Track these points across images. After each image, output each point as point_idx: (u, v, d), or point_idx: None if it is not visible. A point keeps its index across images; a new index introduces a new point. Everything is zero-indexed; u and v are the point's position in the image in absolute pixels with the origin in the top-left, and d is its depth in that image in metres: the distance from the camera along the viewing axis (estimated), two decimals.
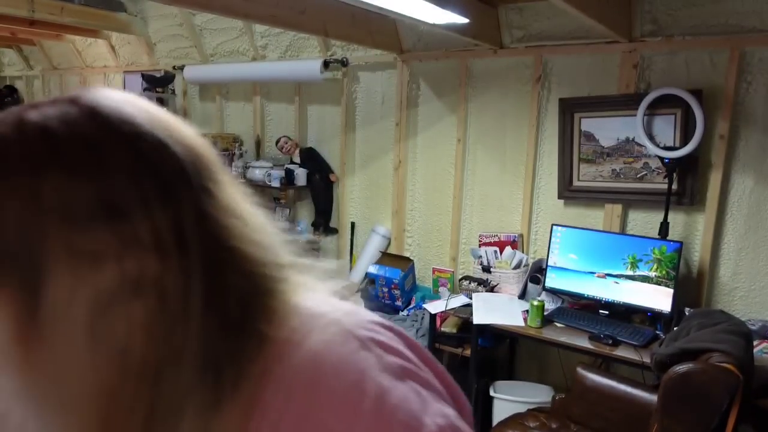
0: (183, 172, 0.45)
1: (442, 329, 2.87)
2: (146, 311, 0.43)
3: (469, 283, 2.94)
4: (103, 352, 0.42)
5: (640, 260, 2.51)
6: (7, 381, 0.43)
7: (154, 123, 0.46)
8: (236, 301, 0.46)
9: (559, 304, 2.75)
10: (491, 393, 2.70)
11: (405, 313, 3.21)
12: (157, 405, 0.43)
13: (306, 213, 3.95)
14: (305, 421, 0.45)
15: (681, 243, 2.45)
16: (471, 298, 2.81)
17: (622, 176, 2.72)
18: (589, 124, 2.77)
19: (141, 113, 0.46)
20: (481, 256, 3.02)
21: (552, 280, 2.75)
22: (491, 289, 2.91)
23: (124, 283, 0.42)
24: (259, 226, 0.50)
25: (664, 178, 2.52)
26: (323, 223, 3.77)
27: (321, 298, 0.53)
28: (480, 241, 3.12)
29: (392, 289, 3.25)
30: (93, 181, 0.42)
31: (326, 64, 3.49)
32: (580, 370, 2.30)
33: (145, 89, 4.38)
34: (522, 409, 2.37)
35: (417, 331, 2.99)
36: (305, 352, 0.47)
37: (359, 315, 0.51)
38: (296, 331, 0.48)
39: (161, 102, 4.38)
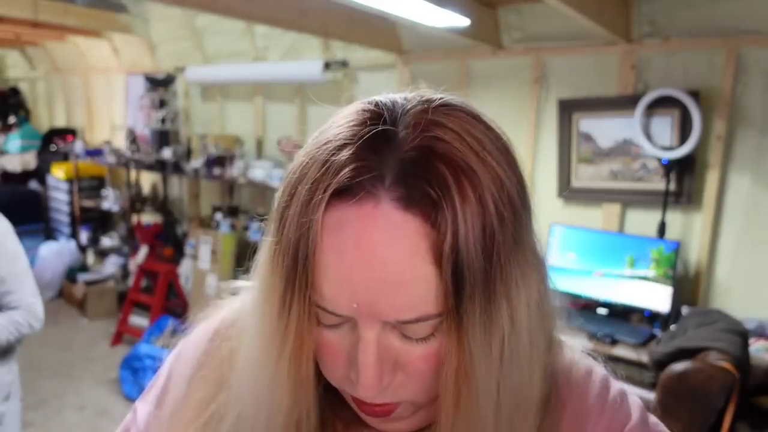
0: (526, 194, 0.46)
1: None
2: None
3: None
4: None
5: (638, 260, 2.52)
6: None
7: None
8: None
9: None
10: None
11: None
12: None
13: None
14: None
15: (678, 243, 2.46)
16: None
17: (620, 176, 2.74)
18: (587, 124, 2.79)
19: None
20: None
21: None
22: None
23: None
24: None
25: (662, 178, 2.54)
26: None
27: None
28: None
29: None
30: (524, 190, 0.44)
31: (327, 65, 3.51)
32: None
33: (147, 90, 4.41)
34: None
35: None
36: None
37: None
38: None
39: (163, 103, 4.40)
